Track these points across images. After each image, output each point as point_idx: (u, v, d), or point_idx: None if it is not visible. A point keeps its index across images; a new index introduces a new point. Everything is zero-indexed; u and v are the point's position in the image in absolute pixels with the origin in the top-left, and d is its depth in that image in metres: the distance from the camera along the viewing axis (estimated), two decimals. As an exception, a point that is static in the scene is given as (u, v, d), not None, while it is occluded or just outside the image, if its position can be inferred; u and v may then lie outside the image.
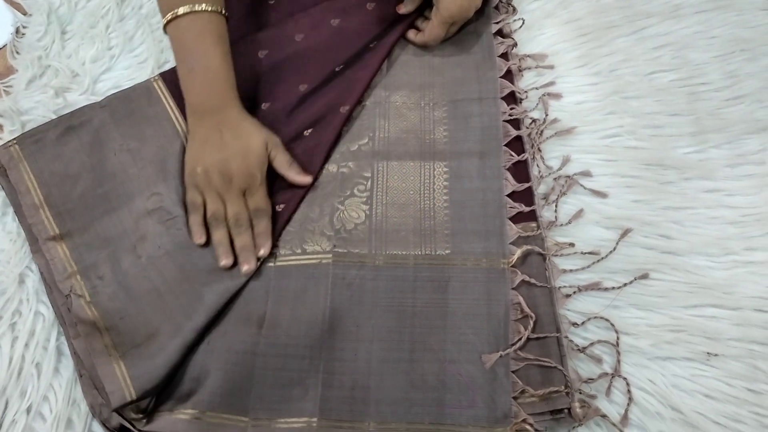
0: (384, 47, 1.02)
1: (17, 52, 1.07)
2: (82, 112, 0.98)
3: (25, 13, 1.10)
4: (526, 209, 0.92)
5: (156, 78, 1.02)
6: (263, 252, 0.87)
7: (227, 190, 0.85)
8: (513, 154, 0.97)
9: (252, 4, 1.10)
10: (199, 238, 0.87)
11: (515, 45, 1.07)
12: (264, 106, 1.00)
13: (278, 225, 0.90)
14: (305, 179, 0.92)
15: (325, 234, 0.91)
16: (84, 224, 0.90)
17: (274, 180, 0.92)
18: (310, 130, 0.99)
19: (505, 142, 0.97)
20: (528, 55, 1.07)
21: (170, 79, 1.00)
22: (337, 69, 1.02)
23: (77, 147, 0.95)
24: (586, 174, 0.95)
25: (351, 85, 1.01)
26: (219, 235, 0.87)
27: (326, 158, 0.96)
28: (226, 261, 0.85)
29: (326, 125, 0.97)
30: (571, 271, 0.87)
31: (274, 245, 0.89)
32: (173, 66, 0.96)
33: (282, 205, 0.91)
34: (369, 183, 0.95)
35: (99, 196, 0.93)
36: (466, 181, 0.94)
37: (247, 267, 0.85)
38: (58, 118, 0.98)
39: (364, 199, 0.93)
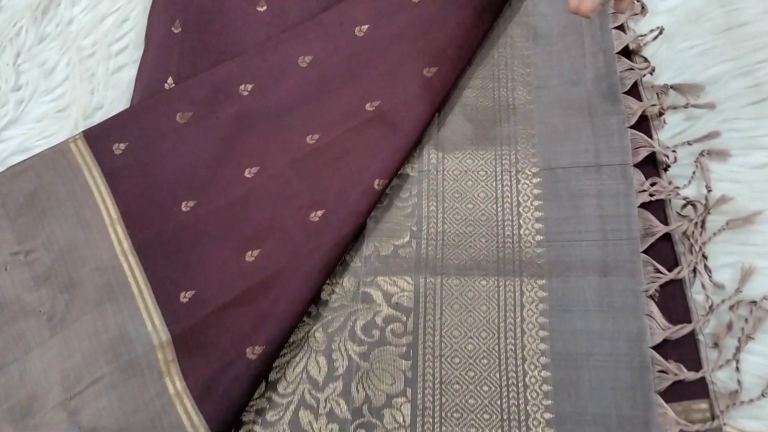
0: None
1: None
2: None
3: None
4: (690, 376, 0.59)
5: (77, 138, 0.72)
6: None
7: None
8: (660, 268, 0.63)
9: (229, 14, 0.79)
10: None
11: (651, 70, 0.72)
12: (248, 172, 0.71)
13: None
14: None
15: (334, 417, 0.61)
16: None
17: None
18: (320, 212, 0.67)
19: (645, 247, 0.64)
20: (672, 87, 0.72)
21: (99, 139, 0.71)
22: (369, 107, 0.72)
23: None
24: (784, 298, 0.60)
25: (385, 142, 0.70)
26: None
27: (336, 261, 0.66)
28: None
29: (345, 209, 0.67)
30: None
31: None
32: (110, 115, 0.73)
33: (257, 349, 0.61)
34: (411, 319, 0.64)
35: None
36: (577, 318, 0.62)
37: None
38: None
39: (403, 351, 0.63)
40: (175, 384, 0.60)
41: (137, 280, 0.65)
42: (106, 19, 0.83)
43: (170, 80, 0.76)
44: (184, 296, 0.64)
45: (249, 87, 0.74)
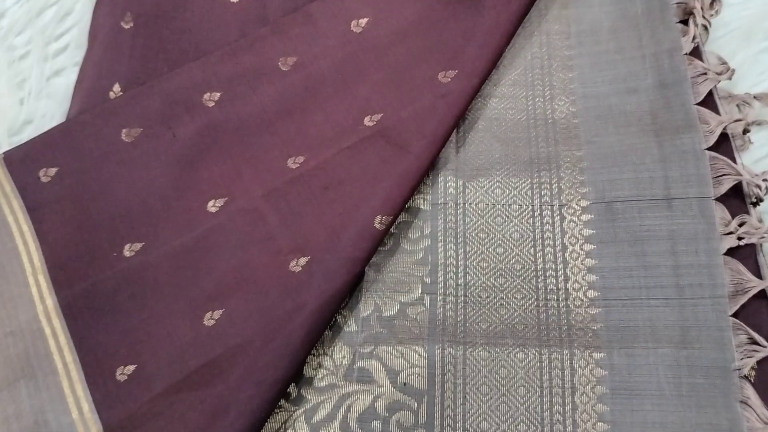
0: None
1: None
2: None
3: None
4: None
5: None
6: None
7: None
8: (756, 337, 0.49)
9: (193, 5, 0.66)
10: None
11: (731, 74, 0.58)
12: (212, 206, 0.56)
13: None
14: None
15: None
16: None
17: None
18: (304, 260, 0.52)
19: (735, 308, 0.49)
20: (755, 96, 0.59)
21: (21, 164, 0.58)
22: (368, 122, 0.58)
23: None
24: None
25: (389, 167, 0.55)
26: None
27: (324, 325, 0.51)
28: None
29: (336, 255, 0.52)
30: None
31: None
32: (39, 133, 0.60)
33: None
34: (424, 407, 0.49)
35: None
36: (648, 407, 0.47)
37: None
38: None
39: None
40: None
41: (62, 351, 0.51)
42: (44, 12, 0.69)
43: (117, 87, 0.61)
44: (122, 373, 0.50)
45: (216, 96, 0.59)
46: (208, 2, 0.65)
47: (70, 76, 0.64)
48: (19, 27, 0.67)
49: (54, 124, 0.62)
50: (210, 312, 0.51)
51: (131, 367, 0.50)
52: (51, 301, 0.52)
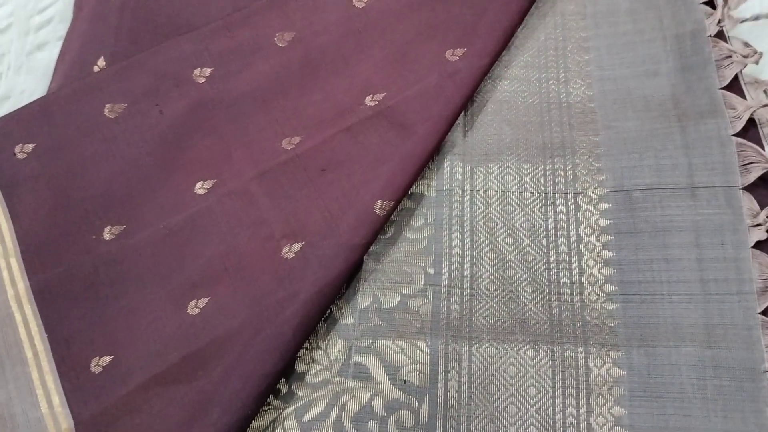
0: None
1: None
2: None
3: None
4: None
5: None
6: None
7: None
8: None
9: None
10: None
11: (759, 57, 0.54)
12: (200, 187, 0.53)
13: None
14: None
15: None
16: None
17: None
18: (297, 246, 0.49)
19: (764, 307, 0.46)
20: None
21: None
22: (370, 101, 0.55)
23: None
24: None
25: (391, 149, 0.52)
26: None
27: (319, 316, 0.47)
28: None
29: (333, 241, 0.48)
30: None
31: None
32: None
33: None
34: (425, 406, 0.45)
35: None
36: (670, 410, 0.44)
37: None
38: None
39: None
40: None
41: (32, 339, 0.48)
42: None
43: (101, 62, 0.58)
44: (97, 364, 0.47)
45: (207, 72, 0.57)
46: None
47: (53, 51, 0.62)
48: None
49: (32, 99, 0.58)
50: (195, 300, 0.47)
51: (107, 358, 0.46)
52: (22, 286, 0.48)
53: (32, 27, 0.63)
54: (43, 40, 0.62)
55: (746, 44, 0.55)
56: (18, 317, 0.48)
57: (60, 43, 0.61)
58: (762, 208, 0.48)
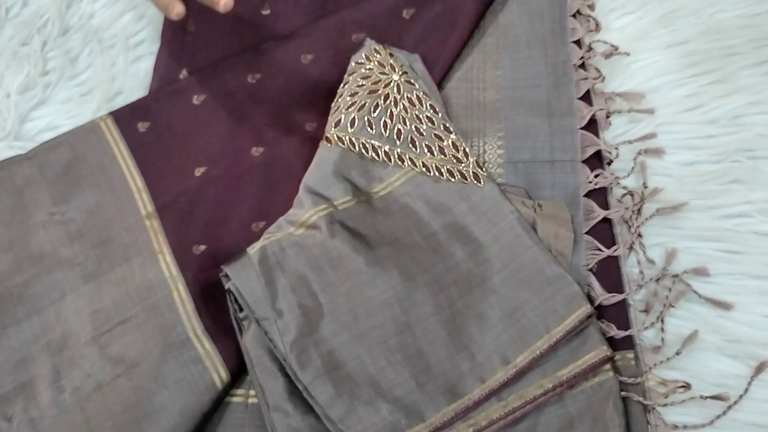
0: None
1: None
2: (-1, 165, 0.74)
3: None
4: (620, 333, 0.66)
5: (106, 117, 0.79)
6: None
7: None
8: (600, 246, 0.70)
9: (236, 17, 0.83)
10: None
11: (602, 79, 0.80)
12: (255, 151, 0.78)
13: None
14: None
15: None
16: (-10, 331, 0.65)
17: None
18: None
19: (588, 228, 0.71)
20: (618, 94, 0.79)
21: (125, 119, 0.79)
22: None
23: (-11, 215, 0.71)
24: (702, 273, 0.69)
25: None
26: None
27: None
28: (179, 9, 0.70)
29: None
30: (685, 428, 0.62)
31: None
32: (130, 101, 0.80)
33: None
34: None
35: (17, 287, 0.69)
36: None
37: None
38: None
39: None
40: (192, 322, 0.69)
41: (158, 238, 0.72)
42: (124, 15, 0.89)
43: (185, 72, 0.83)
44: (197, 249, 0.72)
45: (257, 76, 0.82)
46: (253, 18, 0.88)
47: (148, 62, 0.84)
48: (106, 25, 0.87)
49: (138, 95, 0.81)
50: (255, 223, 0.73)
51: (203, 246, 0.71)
52: (150, 208, 0.72)
53: (131, 45, 0.85)
54: (140, 54, 0.84)
55: (597, 70, 0.83)
56: (148, 225, 0.72)
57: (152, 57, 0.82)
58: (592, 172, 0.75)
